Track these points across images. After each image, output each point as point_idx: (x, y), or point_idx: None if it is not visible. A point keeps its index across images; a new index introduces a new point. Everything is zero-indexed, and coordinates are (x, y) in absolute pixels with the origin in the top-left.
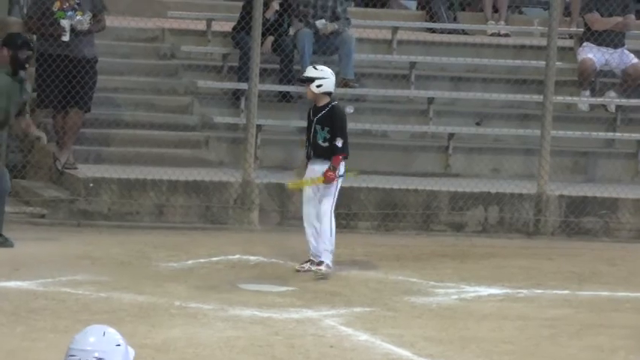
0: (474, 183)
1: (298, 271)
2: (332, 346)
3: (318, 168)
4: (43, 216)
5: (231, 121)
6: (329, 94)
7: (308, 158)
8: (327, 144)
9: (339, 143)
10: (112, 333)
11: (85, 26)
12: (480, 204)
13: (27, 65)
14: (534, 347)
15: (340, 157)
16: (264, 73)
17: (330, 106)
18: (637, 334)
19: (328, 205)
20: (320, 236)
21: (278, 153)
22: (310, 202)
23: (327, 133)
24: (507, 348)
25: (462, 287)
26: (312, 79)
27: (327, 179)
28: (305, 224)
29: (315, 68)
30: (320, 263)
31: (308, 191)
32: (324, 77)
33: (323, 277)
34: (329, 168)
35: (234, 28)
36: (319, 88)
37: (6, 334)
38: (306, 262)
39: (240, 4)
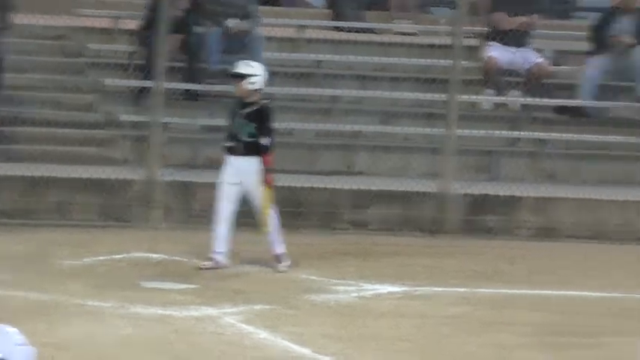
0: (379, 181)
1: (201, 269)
2: (231, 343)
3: (244, 166)
4: None
5: (137, 119)
6: (259, 90)
7: (231, 154)
8: (251, 139)
9: (266, 142)
10: (13, 332)
11: None
12: (383, 202)
13: None
14: (433, 345)
15: (269, 157)
16: (171, 72)
17: (261, 103)
18: (536, 332)
19: None
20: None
21: (184, 151)
22: (230, 200)
23: (253, 129)
24: (405, 346)
25: (361, 285)
26: (244, 76)
27: (271, 183)
28: (219, 222)
29: (249, 65)
30: (278, 258)
31: (229, 189)
32: (257, 74)
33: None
34: (265, 172)
35: (140, 27)
36: (252, 85)
37: None
38: (209, 260)
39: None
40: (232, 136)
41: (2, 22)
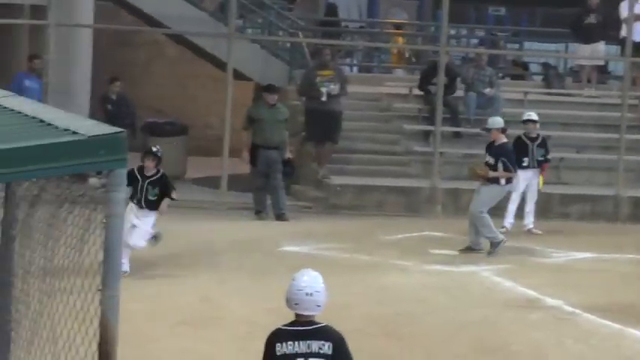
0: (575, 188)
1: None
2: (489, 288)
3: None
4: (310, 207)
5: (424, 150)
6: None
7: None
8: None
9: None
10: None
11: (336, 92)
12: (580, 201)
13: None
14: (613, 289)
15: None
16: (444, 120)
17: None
18: None
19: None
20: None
21: (453, 169)
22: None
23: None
24: (594, 291)
25: (568, 253)
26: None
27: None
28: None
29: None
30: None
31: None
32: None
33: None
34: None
35: (426, 92)
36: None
37: None
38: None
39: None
40: None
41: (342, 90)
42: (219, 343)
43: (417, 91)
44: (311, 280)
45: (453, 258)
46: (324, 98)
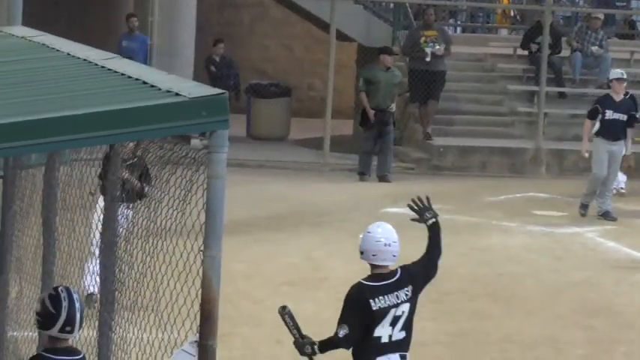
0: None
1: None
2: (592, 249)
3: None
4: (413, 168)
5: (528, 110)
6: None
7: None
8: None
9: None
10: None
11: (440, 52)
12: None
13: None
14: None
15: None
16: (548, 80)
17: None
18: None
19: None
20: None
21: (557, 130)
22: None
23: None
24: None
25: None
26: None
27: None
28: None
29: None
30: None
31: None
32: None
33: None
34: None
35: (529, 52)
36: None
37: None
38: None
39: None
40: None
41: (446, 50)
42: (321, 304)
43: (521, 52)
44: (387, 232)
45: (556, 219)
46: (428, 59)
